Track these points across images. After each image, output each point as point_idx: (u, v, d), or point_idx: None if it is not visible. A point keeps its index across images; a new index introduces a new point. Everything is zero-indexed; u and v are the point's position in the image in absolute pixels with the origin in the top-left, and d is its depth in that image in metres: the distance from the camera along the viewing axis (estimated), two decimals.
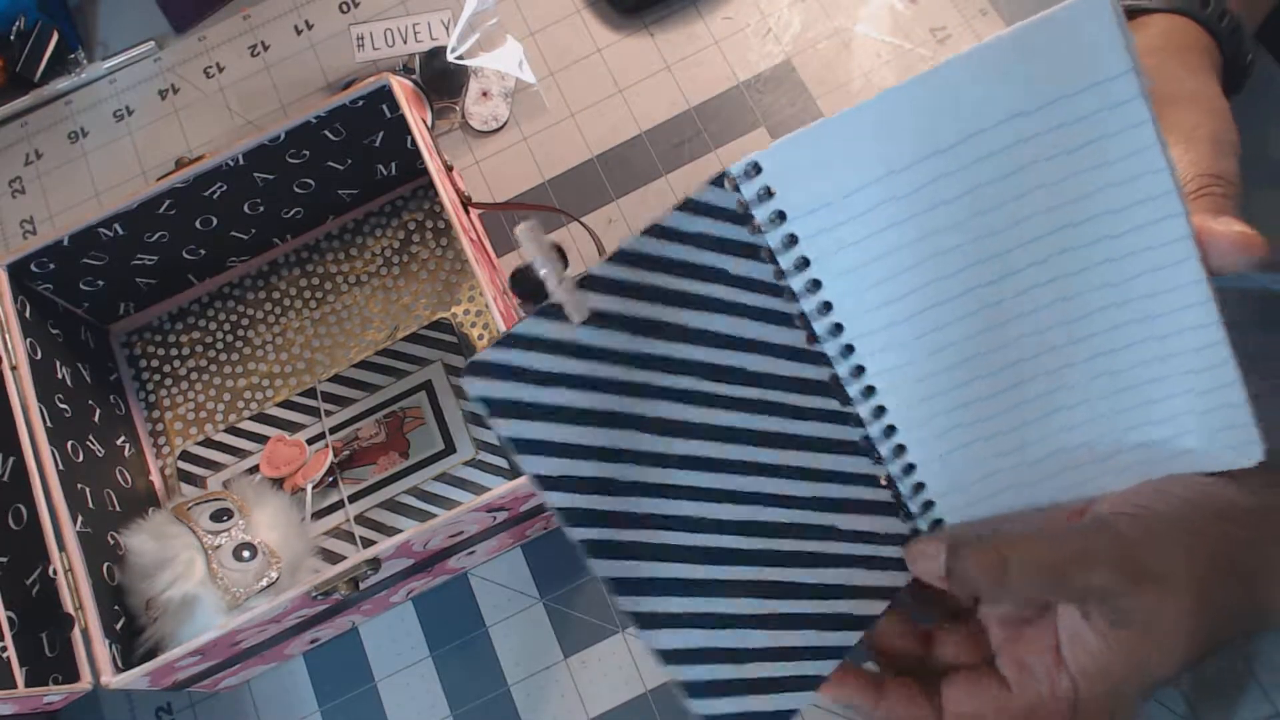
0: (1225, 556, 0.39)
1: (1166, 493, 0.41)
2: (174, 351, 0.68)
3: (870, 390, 0.42)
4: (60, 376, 0.61)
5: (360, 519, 0.62)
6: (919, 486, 0.44)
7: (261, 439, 0.64)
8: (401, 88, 0.60)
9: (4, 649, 0.55)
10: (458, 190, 0.60)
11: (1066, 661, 0.40)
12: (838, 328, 0.41)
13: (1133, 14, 0.51)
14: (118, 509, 0.60)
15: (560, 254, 0.37)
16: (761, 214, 0.40)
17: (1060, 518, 0.43)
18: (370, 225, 0.69)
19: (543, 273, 0.37)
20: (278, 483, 0.62)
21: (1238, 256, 0.38)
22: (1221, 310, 0.39)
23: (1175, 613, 0.39)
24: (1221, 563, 0.39)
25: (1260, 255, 0.38)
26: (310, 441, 0.64)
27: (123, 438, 0.64)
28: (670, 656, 0.39)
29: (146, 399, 0.67)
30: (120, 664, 0.52)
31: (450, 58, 0.71)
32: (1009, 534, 0.41)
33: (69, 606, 0.53)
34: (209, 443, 0.65)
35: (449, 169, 0.61)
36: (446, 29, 0.71)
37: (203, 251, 0.66)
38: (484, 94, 0.71)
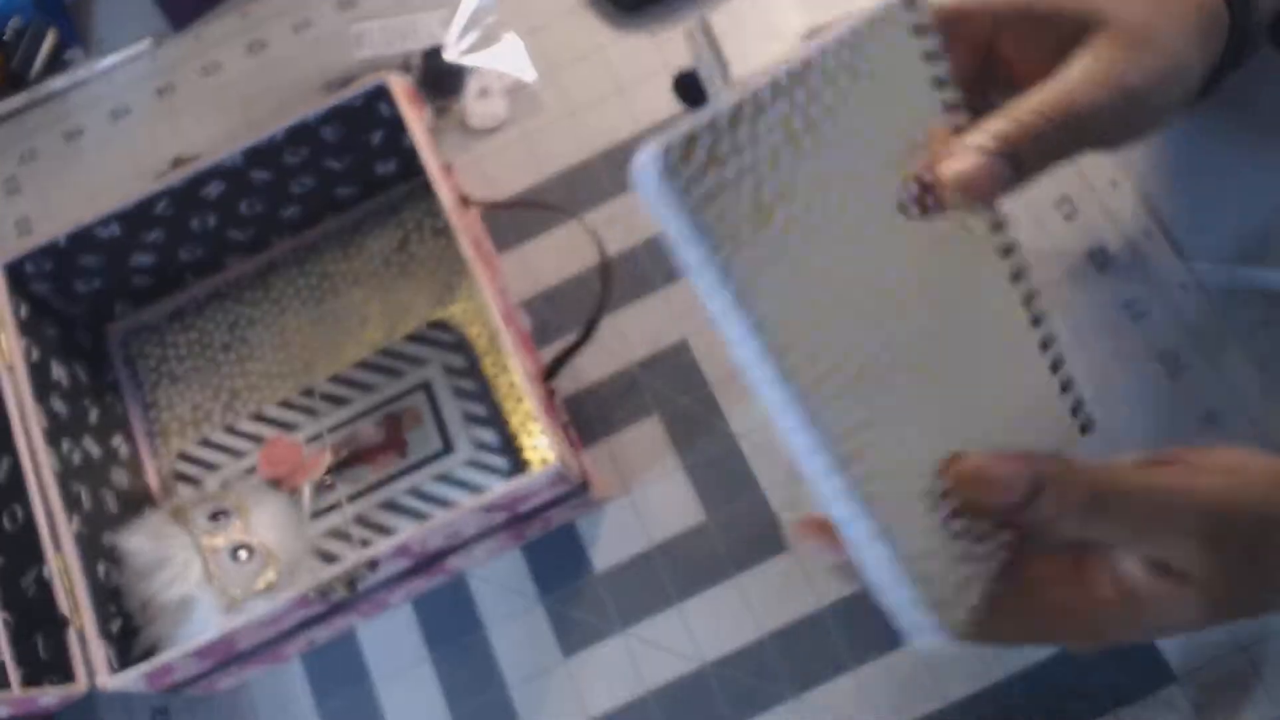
0: None
1: (1251, 464, 0.38)
2: (171, 351, 0.68)
3: None
4: (56, 377, 0.60)
5: (358, 520, 0.61)
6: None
7: (259, 439, 0.64)
8: (400, 86, 0.59)
9: None
10: (457, 189, 0.60)
11: None
12: None
13: None
14: (114, 510, 0.60)
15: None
16: None
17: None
18: (368, 224, 0.69)
19: (705, 75, 0.34)
20: (276, 483, 0.62)
21: (961, 199, 0.37)
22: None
23: (1230, 595, 0.37)
24: None
25: (979, 194, 0.36)
26: (308, 442, 0.64)
27: (119, 438, 0.64)
28: None
29: (143, 399, 0.67)
30: (116, 665, 0.52)
31: (449, 56, 0.70)
32: (1098, 467, 0.37)
33: (65, 608, 0.53)
34: (206, 443, 0.65)
35: (448, 168, 0.61)
36: (445, 27, 0.71)
37: (200, 251, 0.66)
38: (483, 92, 0.70)
